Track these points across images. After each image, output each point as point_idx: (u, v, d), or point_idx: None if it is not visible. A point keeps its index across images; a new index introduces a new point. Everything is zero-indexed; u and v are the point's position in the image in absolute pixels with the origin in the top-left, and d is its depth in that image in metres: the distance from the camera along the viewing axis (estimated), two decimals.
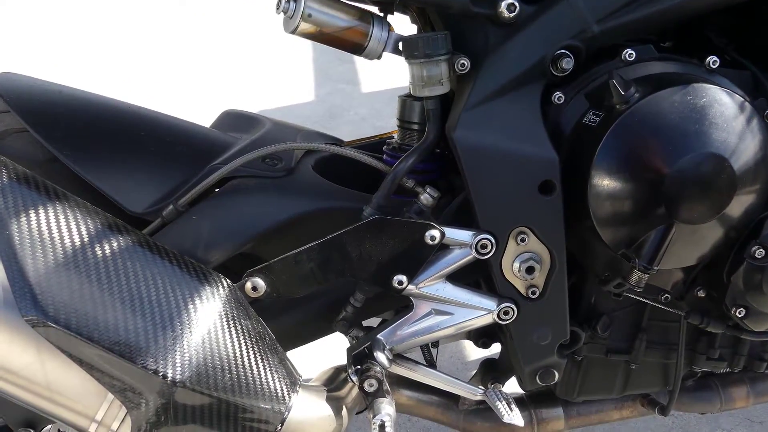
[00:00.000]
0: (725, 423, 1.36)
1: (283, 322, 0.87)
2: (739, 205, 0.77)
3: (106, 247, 0.66)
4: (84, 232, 0.66)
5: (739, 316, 0.83)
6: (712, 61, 0.79)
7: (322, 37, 0.79)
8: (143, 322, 0.64)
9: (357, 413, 0.89)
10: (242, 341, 0.69)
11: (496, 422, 1.00)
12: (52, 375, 0.63)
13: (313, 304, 0.88)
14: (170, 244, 0.80)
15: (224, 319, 0.69)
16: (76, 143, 0.84)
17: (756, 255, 0.79)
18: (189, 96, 3.09)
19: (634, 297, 0.87)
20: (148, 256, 0.68)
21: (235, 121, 1.03)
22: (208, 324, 0.67)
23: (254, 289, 0.78)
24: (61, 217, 0.67)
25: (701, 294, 0.87)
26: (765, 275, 0.80)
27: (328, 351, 1.08)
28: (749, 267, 0.80)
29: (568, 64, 0.78)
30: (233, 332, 0.69)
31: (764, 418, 1.37)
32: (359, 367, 0.79)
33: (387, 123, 2.83)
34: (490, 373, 1.00)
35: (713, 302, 0.87)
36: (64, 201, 0.68)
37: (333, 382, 0.86)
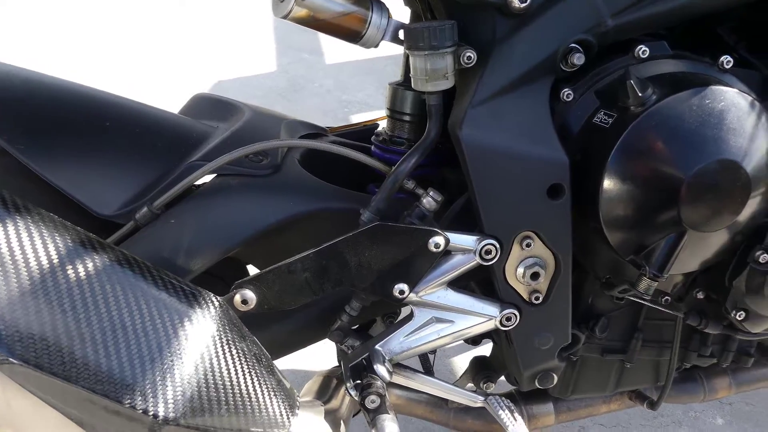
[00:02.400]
0: (696, 405, 1.40)
1: (273, 332, 0.81)
2: (748, 210, 0.75)
3: (80, 268, 0.58)
4: (53, 253, 0.58)
5: (739, 318, 0.82)
6: (726, 60, 0.76)
7: (317, 23, 0.71)
8: (128, 355, 0.56)
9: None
10: (238, 367, 0.63)
11: (486, 420, 0.98)
12: (20, 420, 0.56)
13: (305, 312, 0.82)
14: (146, 251, 0.72)
15: (218, 344, 0.62)
16: (31, 135, 0.74)
17: (760, 260, 0.77)
18: (143, 68, 2.86)
19: (636, 299, 0.85)
20: (130, 277, 0.60)
21: (208, 106, 0.94)
22: (200, 351, 0.60)
23: (244, 302, 0.71)
24: (24, 235, 0.57)
25: (700, 296, 0.86)
26: None
27: None
28: (752, 271, 0.78)
29: (579, 59, 0.73)
30: (228, 358, 0.62)
31: (733, 399, 1.42)
32: (359, 381, 0.75)
33: (353, 96, 2.72)
34: (482, 371, 0.98)
35: (711, 304, 0.86)
36: (26, 215, 0.59)
37: (325, 393, 0.82)
